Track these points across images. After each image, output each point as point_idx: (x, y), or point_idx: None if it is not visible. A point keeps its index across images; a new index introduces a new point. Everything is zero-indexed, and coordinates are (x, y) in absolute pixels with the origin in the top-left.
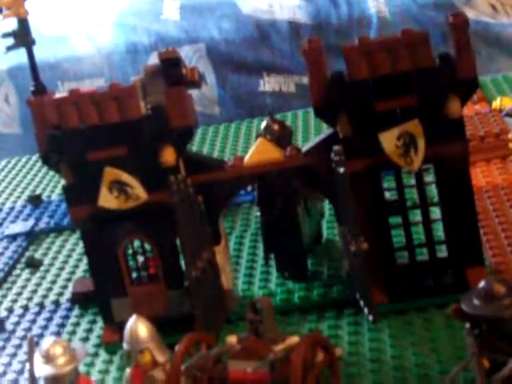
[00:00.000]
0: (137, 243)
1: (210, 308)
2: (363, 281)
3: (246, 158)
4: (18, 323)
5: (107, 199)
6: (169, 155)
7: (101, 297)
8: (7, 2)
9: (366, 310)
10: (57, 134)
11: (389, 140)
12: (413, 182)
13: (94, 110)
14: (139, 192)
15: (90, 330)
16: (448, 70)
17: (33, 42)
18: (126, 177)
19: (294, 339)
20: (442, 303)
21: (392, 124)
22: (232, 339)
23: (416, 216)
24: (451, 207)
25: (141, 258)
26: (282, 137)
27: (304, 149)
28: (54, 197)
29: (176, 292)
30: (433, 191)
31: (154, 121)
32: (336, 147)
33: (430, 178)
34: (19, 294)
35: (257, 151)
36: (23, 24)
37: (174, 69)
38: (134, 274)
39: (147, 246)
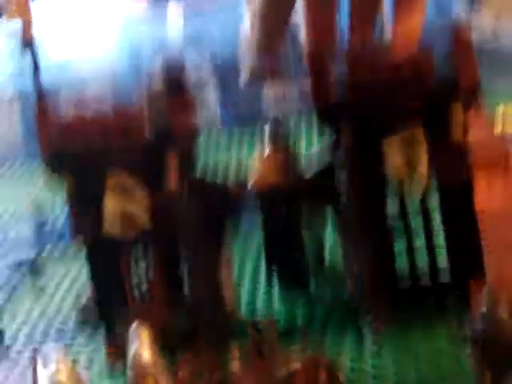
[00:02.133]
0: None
1: (212, 326)
2: (366, 300)
3: (249, 173)
4: (20, 352)
5: (112, 225)
6: (173, 178)
7: (104, 315)
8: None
9: (368, 329)
10: (61, 159)
11: (391, 149)
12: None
13: (99, 133)
14: (143, 217)
15: (92, 360)
16: (450, 78)
17: (35, 45)
18: (130, 201)
19: (297, 359)
20: (445, 321)
21: (395, 132)
22: (235, 356)
23: (418, 230)
24: (453, 216)
25: (143, 277)
26: (283, 142)
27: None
28: (59, 223)
29: (178, 310)
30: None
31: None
32: (338, 155)
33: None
34: (23, 322)
35: (259, 162)
36: (27, 26)
37: (177, 75)
38: (136, 293)
39: (150, 264)
